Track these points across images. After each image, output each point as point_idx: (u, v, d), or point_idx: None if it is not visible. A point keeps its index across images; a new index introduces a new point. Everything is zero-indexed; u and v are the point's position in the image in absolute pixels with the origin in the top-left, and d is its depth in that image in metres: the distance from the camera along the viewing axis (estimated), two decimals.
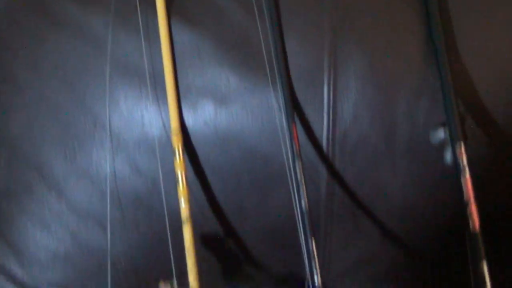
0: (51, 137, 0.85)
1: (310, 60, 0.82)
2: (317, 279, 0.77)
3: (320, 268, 0.76)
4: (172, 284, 0.79)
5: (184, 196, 0.79)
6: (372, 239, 0.89)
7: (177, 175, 0.79)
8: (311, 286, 0.76)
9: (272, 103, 0.81)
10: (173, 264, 0.79)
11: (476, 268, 0.72)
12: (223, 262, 0.93)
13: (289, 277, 0.94)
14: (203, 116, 0.83)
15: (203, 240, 0.87)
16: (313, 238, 0.77)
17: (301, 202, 0.77)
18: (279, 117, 0.80)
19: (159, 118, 0.83)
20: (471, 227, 0.73)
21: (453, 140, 0.76)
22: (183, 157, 0.79)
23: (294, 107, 0.81)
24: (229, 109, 0.82)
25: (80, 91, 0.85)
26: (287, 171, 0.78)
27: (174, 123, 0.81)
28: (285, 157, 0.79)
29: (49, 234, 0.88)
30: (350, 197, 0.85)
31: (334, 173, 0.84)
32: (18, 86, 0.87)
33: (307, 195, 0.77)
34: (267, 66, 0.81)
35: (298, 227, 0.77)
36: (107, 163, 0.85)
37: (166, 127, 0.83)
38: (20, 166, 0.88)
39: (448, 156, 0.76)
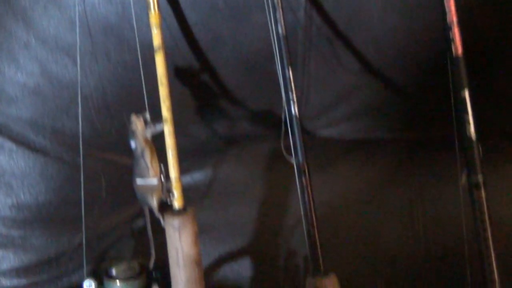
0: None
1: None
2: (294, 109, 0.75)
3: (297, 101, 0.74)
4: (144, 117, 0.77)
5: (156, 22, 0.75)
6: (351, 70, 0.86)
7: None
8: (287, 117, 0.75)
9: None
10: (145, 96, 0.77)
11: (458, 95, 0.70)
12: (197, 96, 0.91)
13: (265, 112, 0.93)
14: None
15: (176, 72, 0.84)
16: (290, 66, 0.74)
17: (277, 27, 0.73)
18: None
19: None
20: (453, 51, 0.70)
21: None
22: None
23: None
24: None
25: None
26: None
27: None
28: None
29: (17, 68, 0.83)
30: (329, 22, 0.81)
31: None
32: None
33: (284, 20, 0.73)
34: None
35: (275, 54, 0.74)
36: None
37: None
38: None
39: None
